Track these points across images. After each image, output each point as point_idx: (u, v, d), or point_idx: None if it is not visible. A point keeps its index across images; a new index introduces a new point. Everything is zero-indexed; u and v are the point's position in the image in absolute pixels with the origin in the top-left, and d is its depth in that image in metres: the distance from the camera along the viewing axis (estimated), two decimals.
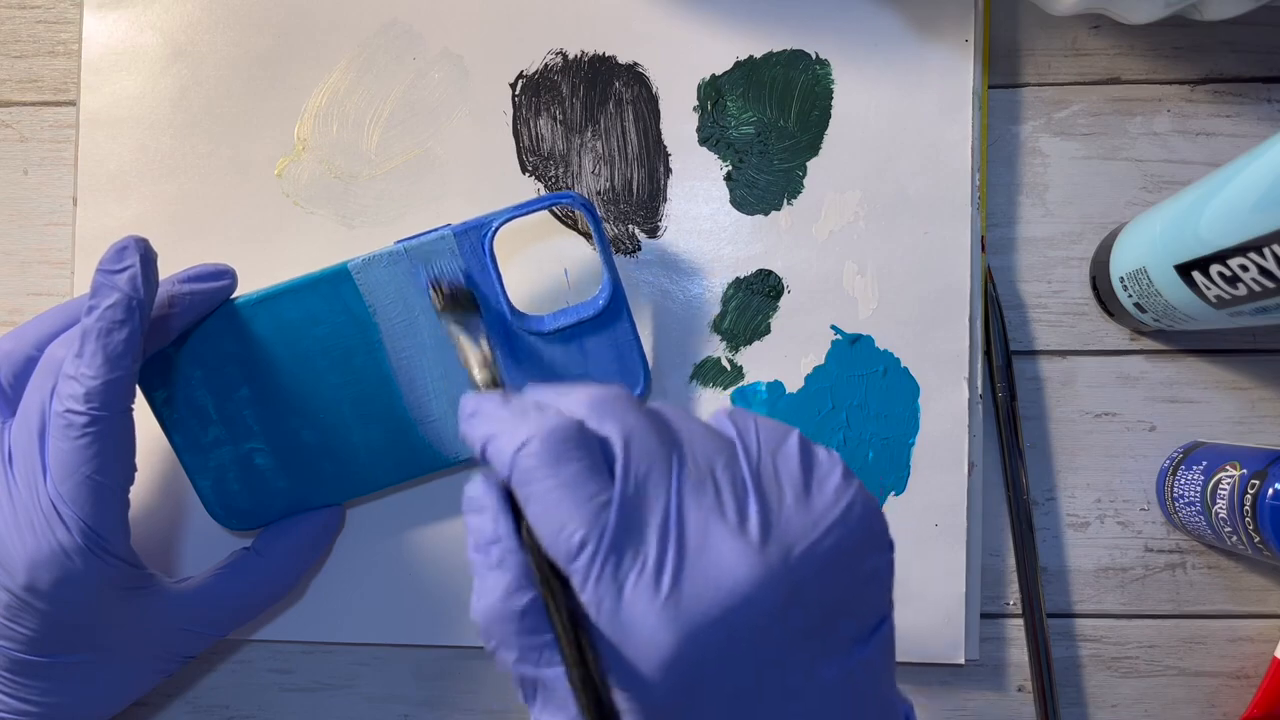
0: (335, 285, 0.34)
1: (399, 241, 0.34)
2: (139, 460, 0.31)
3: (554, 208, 0.37)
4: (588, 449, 0.23)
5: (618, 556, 0.22)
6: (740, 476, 0.23)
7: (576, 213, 0.38)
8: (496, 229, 0.33)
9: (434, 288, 0.33)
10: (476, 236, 0.33)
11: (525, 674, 0.23)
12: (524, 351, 0.35)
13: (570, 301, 0.38)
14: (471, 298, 0.33)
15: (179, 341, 0.33)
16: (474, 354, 0.30)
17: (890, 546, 0.24)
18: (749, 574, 0.21)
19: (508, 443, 0.23)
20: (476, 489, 0.25)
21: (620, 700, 0.22)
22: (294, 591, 0.37)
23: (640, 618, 0.21)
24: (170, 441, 0.34)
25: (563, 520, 0.22)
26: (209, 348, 0.34)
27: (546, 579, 0.22)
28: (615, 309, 0.35)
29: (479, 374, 0.29)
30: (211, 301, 0.33)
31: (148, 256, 0.30)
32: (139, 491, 0.34)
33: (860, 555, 0.23)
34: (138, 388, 0.31)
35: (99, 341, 0.29)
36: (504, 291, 0.34)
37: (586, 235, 0.38)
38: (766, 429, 0.24)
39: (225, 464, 0.35)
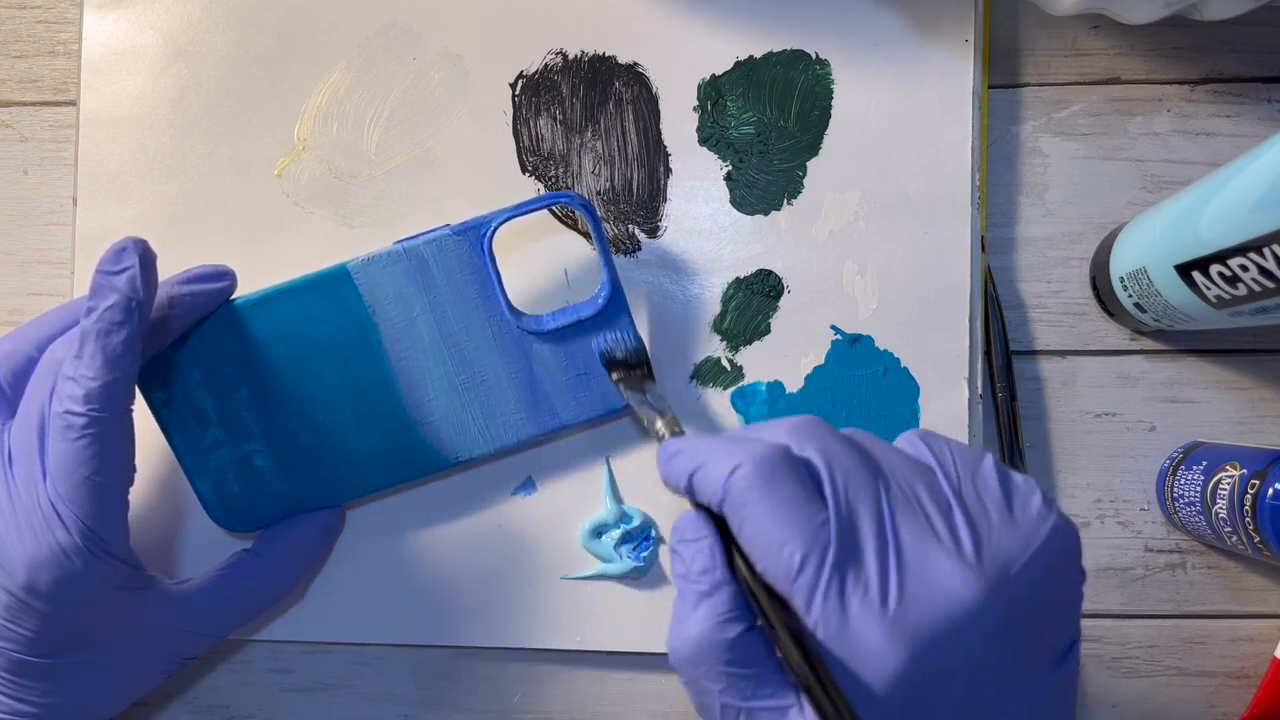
0: (334, 285, 0.33)
1: (398, 241, 0.34)
2: (139, 460, 0.30)
3: (553, 207, 0.37)
4: (798, 473, 0.23)
5: (840, 573, 0.22)
6: (944, 497, 0.24)
7: (576, 212, 0.38)
8: (495, 229, 0.33)
9: (607, 361, 0.34)
10: (475, 236, 0.33)
11: (730, 704, 0.23)
12: (523, 352, 0.35)
13: (570, 300, 0.38)
14: (645, 363, 0.34)
15: (178, 343, 0.33)
16: (660, 420, 0.30)
17: (1084, 574, 0.25)
18: (970, 591, 0.22)
19: (719, 469, 0.24)
20: (688, 520, 0.25)
21: None
22: (294, 592, 0.37)
23: (867, 634, 0.21)
24: (170, 443, 0.34)
25: (782, 540, 0.22)
26: (208, 349, 0.33)
27: (766, 603, 0.23)
28: (615, 308, 0.35)
29: (666, 430, 0.30)
30: (211, 302, 0.33)
31: (147, 258, 0.30)
32: (139, 492, 0.34)
33: (1063, 578, 0.24)
34: (137, 389, 0.31)
35: (98, 343, 0.29)
36: (503, 291, 0.34)
37: (586, 235, 0.38)
38: (960, 451, 0.25)
39: (225, 465, 0.34)
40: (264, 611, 0.36)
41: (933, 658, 0.21)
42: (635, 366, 0.34)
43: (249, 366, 0.34)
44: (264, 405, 0.34)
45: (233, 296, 0.34)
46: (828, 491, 0.23)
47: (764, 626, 0.23)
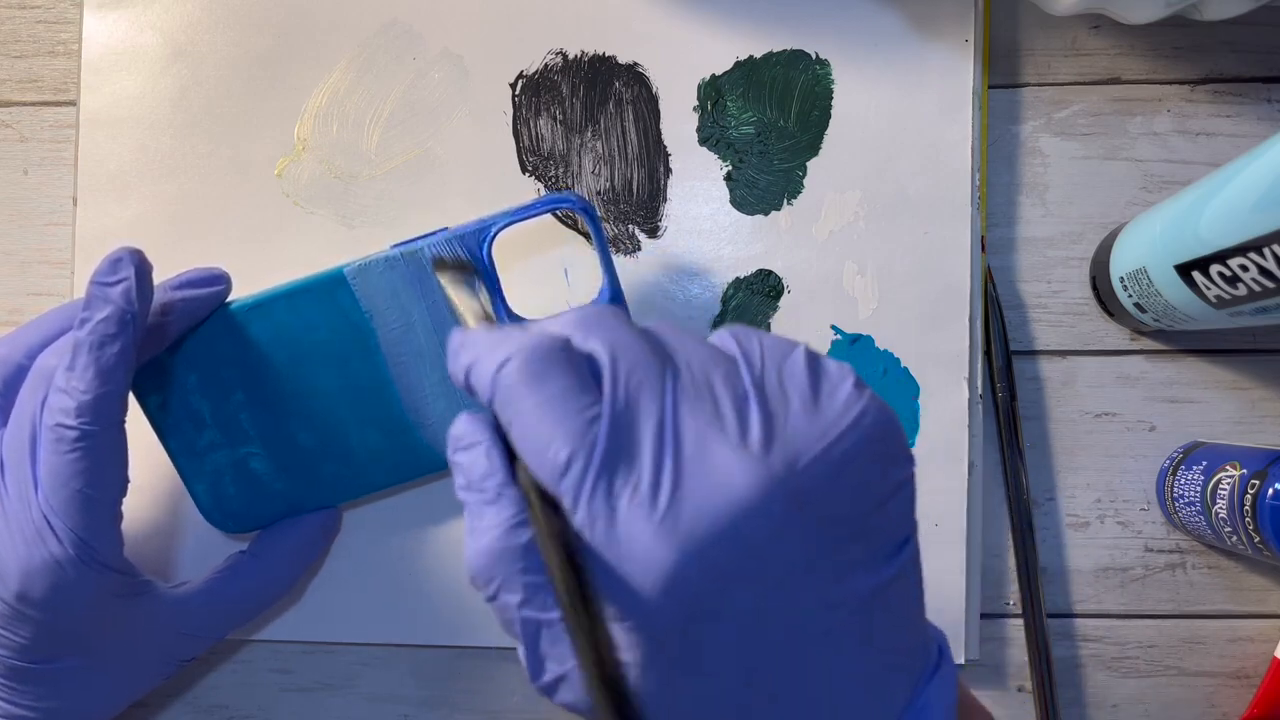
0: (331, 290, 0.33)
1: (395, 245, 0.33)
2: (136, 462, 0.30)
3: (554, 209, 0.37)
4: (572, 365, 0.22)
5: (609, 472, 0.20)
6: (741, 387, 0.22)
7: (575, 213, 0.38)
8: (495, 234, 0.33)
9: (435, 263, 0.33)
10: (475, 241, 0.33)
11: (529, 617, 0.21)
12: None
13: (570, 302, 0.37)
14: (468, 262, 0.33)
15: (173, 347, 0.33)
16: (469, 305, 0.28)
17: (911, 461, 0.23)
18: (750, 483, 0.20)
19: (489, 364, 0.22)
20: (463, 424, 0.23)
21: (621, 632, 0.20)
22: (294, 592, 0.37)
23: (637, 536, 0.20)
24: (164, 446, 0.34)
25: (548, 437, 0.21)
26: (203, 353, 0.33)
27: (536, 506, 0.21)
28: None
29: (471, 322, 0.27)
30: (206, 307, 0.33)
31: (143, 269, 0.29)
32: (135, 495, 0.34)
33: (875, 467, 0.22)
34: (130, 393, 0.31)
35: (91, 355, 0.28)
36: (503, 298, 0.33)
37: (587, 235, 0.38)
38: (771, 342, 0.23)
39: (221, 468, 0.34)
40: (262, 613, 0.36)
41: (711, 559, 0.20)
42: (465, 269, 0.32)
43: (245, 370, 0.33)
44: (261, 408, 0.34)
45: (228, 300, 0.33)
46: (606, 384, 0.21)
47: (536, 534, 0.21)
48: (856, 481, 0.21)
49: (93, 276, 0.29)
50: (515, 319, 0.34)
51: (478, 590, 0.22)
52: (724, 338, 0.23)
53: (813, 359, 0.23)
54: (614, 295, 0.34)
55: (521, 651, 0.22)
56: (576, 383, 0.21)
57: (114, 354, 0.28)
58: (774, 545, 0.20)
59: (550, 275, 0.38)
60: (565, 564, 0.20)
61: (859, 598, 0.21)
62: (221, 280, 0.33)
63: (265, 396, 0.34)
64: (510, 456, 0.22)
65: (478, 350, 0.23)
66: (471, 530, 0.22)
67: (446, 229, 0.33)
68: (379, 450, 0.35)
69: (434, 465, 0.35)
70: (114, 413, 0.29)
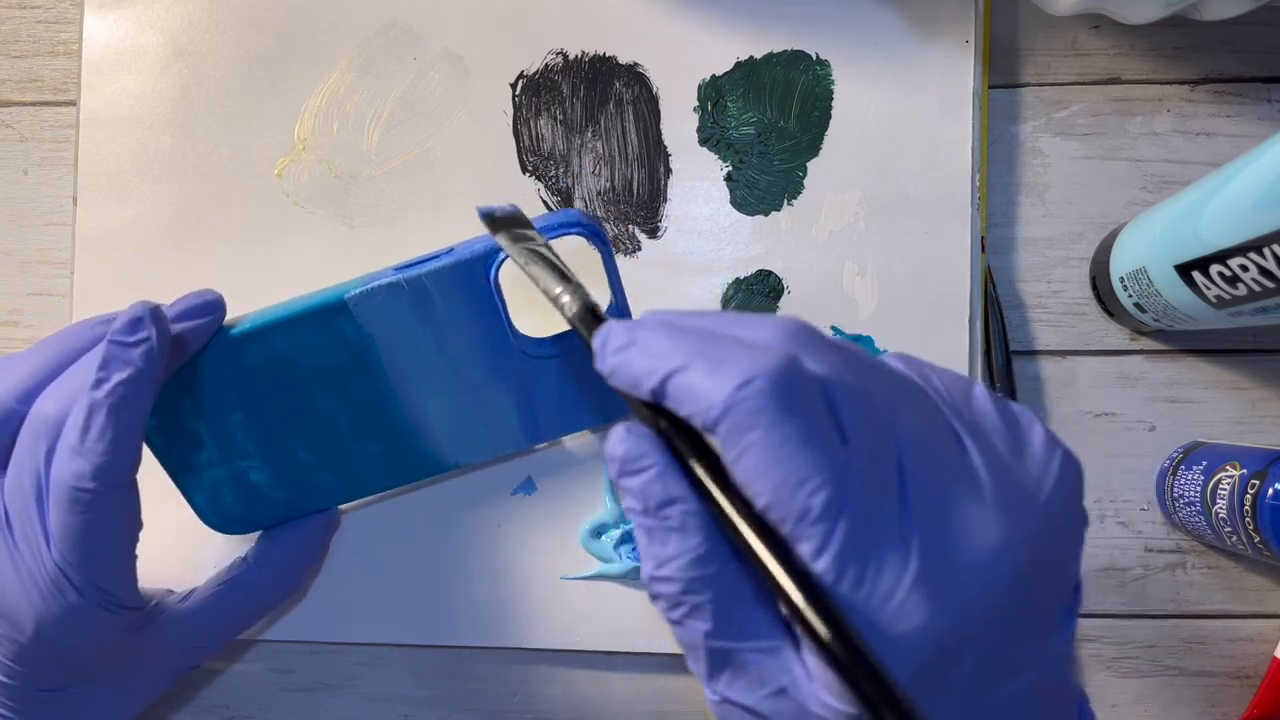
0: (331, 316, 0.32)
1: (398, 269, 0.32)
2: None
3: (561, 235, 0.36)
4: (813, 393, 0.20)
5: (863, 522, 0.19)
6: (950, 429, 0.21)
7: None
8: (503, 262, 0.31)
9: (486, 219, 0.30)
10: (481, 269, 0.32)
11: (718, 647, 0.21)
12: (526, 374, 0.34)
13: None
14: (521, 217, 0.30)
15: (172, 380, 0.32)
16: (563, 287, 0.25)
17: (1086, 514, 0.22)
18: (998, 545, 0.20)
19: (719, 382, 0.19)
20: (628, 444, 0.21)
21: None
22: (294, 595, 0.37)
23: (891, 591, 0.19)
24: (161, 464, 0.33)
25: (800, 477, 0.19)
26: (201, 378, 0.32)
27: (760, 542, 0.19)
28: None
29: (568, 299, 0.25)
30: (203, 336, 0.31)
31: (163, 328, 0.28)
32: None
33: (1072, 517, 0.21)
34: None
35: (109, 418, 0.27)
36: (509, 320, 0.33)
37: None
38: (950, 376, 0.22)
39: (219, 481, 0.34)
40: (265, 617, 0.36)
41: (960, 607, 0.19)
42: (522, 224, 0.30)
43: (243, 392, 0.33)
44: (259, 427, 0.33)
45: (226, 323, 0.32)
46: (852, 423, 0.20)
47: (753, 564, 0.20)
48: (1062, 531, 0.21)
49: (110, 334, 0.27)
50: (517, 336, 0.33)
51: (661, 613, 0.22)
52: (898, 365, 0.23)
53: (995, 398, 0.22)
54: (620, 315, 0.33)
55: (702, 669, 0.22)
56: (825, 416, 0.20)
57: (133, 417, 0.27)
58: (1008, 593, 0.20)
59: None
60: (809, 599, 0.19)
61: (1060, 646, 0.21)
62: (217, 307, 0.31)
63: (264, 417, 0.33)
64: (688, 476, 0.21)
65: (684, 357, 0.20)
66: (653, 557, 0.21)
67: (451, 249, 0.32)
68: (379, 457, 0.35)
69: (434, 469, 0.35)
70: (131, 469, 0.28)
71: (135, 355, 0.27)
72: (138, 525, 0.30)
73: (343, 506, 0.37)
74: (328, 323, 0.32)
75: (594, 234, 0.31)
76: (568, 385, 0.34)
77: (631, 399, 0.22)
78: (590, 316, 0.24)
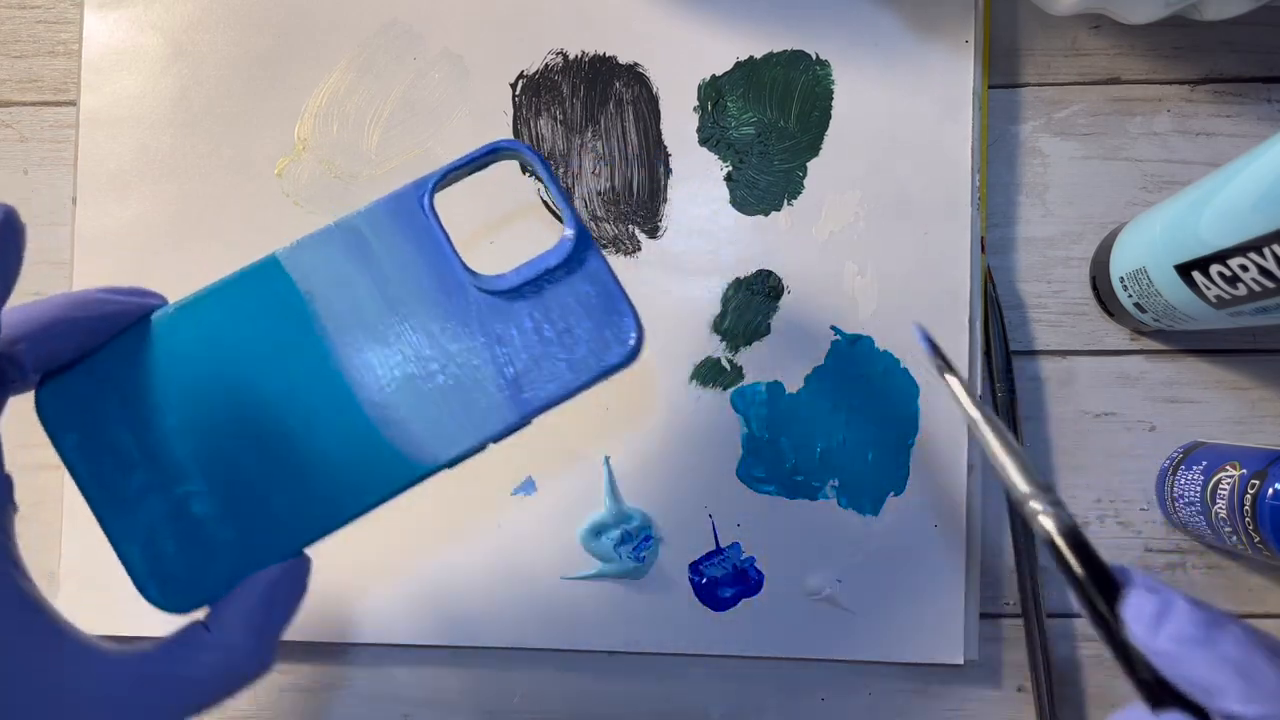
0: (264, 278, 0.28)
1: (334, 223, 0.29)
2: (77, 509, 0.26)
3: (548, 201, 0.37)
4: None
5: None
6: None
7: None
8: (434, 187, 0.29)
9: (933, 348, 0.31)
10: (413, 199, 0.28)
11: None
12: (490, 319, 0.29)
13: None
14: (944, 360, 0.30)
15: (89, 368, 0.28)
16: (1018, 470, 0.25)
17: None
18: None
19: None
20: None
21: None
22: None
23: None
24: (86, 497, 0.27)
25: None
26: (125, 372, 0.28)
27: None
28: (583, 248, 0.29)
29: (1047, 519, 0.25)
30: (130, 316, 0.27)
31: (11, 225, 0.24)
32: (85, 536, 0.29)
33: None
34: (46, 433, 0.27)
35: None
36: (455, 253, 0.29)
37: None
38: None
39: (156, 519, 0.28)
40: (230, 697, 0.27)
41: None
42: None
43: (175, 388, 0.28)
44: (197, 433, 0.28)
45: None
46: None
47: None
48: None
49: None
50: (473, 275, 0.29)
51: None
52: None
53: None
54: (580, 233, 0.29)
55: None
56: None
57: None
58: None
59: None
60: None
61: None
62: (153, 295, 0.28)
63: (201, 418, 0.28)
64: None
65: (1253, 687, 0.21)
66: None
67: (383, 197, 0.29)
68: (340, 463, 0.28)
69: (410, 472, 0.29)
70: None
71: None
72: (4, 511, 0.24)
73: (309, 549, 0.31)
74: (261, 285, 0.28)
75: (526, 150, 0.29)
76: (548, 332, 0.29)
77: (1139, 663, 0.23)
78: (1078, 544, 0.24)
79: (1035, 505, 0.25)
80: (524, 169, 0.39)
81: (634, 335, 0.29)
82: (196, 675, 0.26)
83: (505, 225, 0.38)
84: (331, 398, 0.28)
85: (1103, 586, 0.24)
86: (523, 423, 0.29)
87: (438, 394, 0.29)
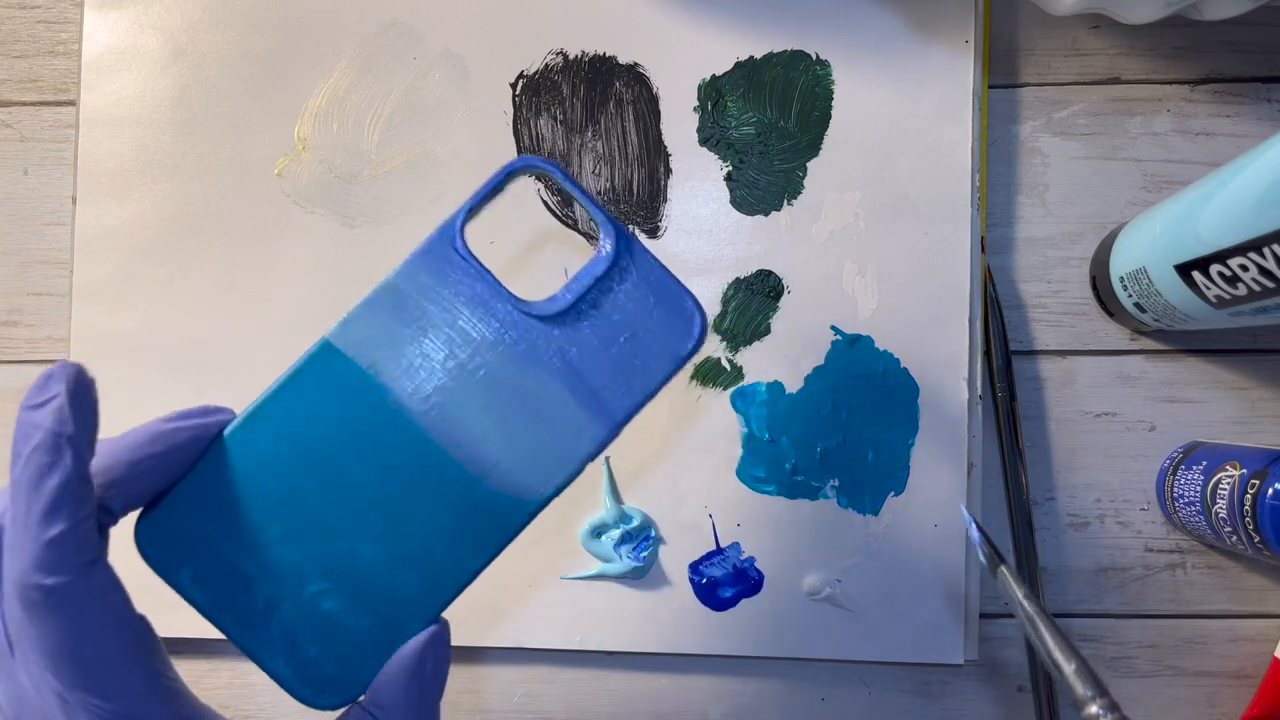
0: (320, 365, 0.28)
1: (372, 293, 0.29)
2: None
3: (551, 208, 0.36)
4: None
5: None
6: None
7: (575, 211, 0.38)
8: (462, 226, 0.28)
9: (983, 534, 0.32)
10: (444, 244, 0.28)
11: None
12: (553, 343, 0.29)
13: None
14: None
15: (178, 503, 0.27)
16: (1088, 692, 0.27)
17: None
18: None
19: None
20: None
21: None
22: None
23: None
24: (218, 626, 0.28)
25: None
26: (216, 494, 0.28)
27: None
28: (627, 248, 0.29)
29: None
30: (203, 440, 0.27)
31: (82, 381, 0.24)
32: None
33: None
34: (160, 575, 0.27)
35: (31, 494, 0.23)
36: (501, 287, 0.29)
37: (588, 236, 0.38)
38: None
39: (291, 627, 0.28)
40: None
41: None
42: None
43: (270, 495, 0.28)
44: (305, 533, 0.28)
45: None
46: None
47: None
48: None
49: (22, 402, 0.24)
50: (524, 305, 0.29)
51: None
52: None
53: None
54: (618, 234, 0.29)
55: None
56: None
57: (56, 485, 0.23)
58: None
59: (550, 275, 0.38)
60: None
61: None
62: (222, 410, 0.28)
63: (305, 518, 0.28)
64: None
65: None
66: None
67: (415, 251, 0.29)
68: (452, 525, 0.29)
69: (519, 518, 0.29)
70: (80, 553, 0.23)
71: (43, 416, 0.23)
72: (132, 623, 0.25)
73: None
74: (321, 374, 0.28)
75: (547, 165, 0.28)
76: (614, 343, 0.29)
77: None
78: None
79: (1092, 710, 0.26)
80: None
81: (698, 320, 0.29)
82: None
83: (504, 227, 0.38)
84: (426, 462, 0.29)
85: None
86: (613, 435, 0.29)
87: (526, 430, 0.29)
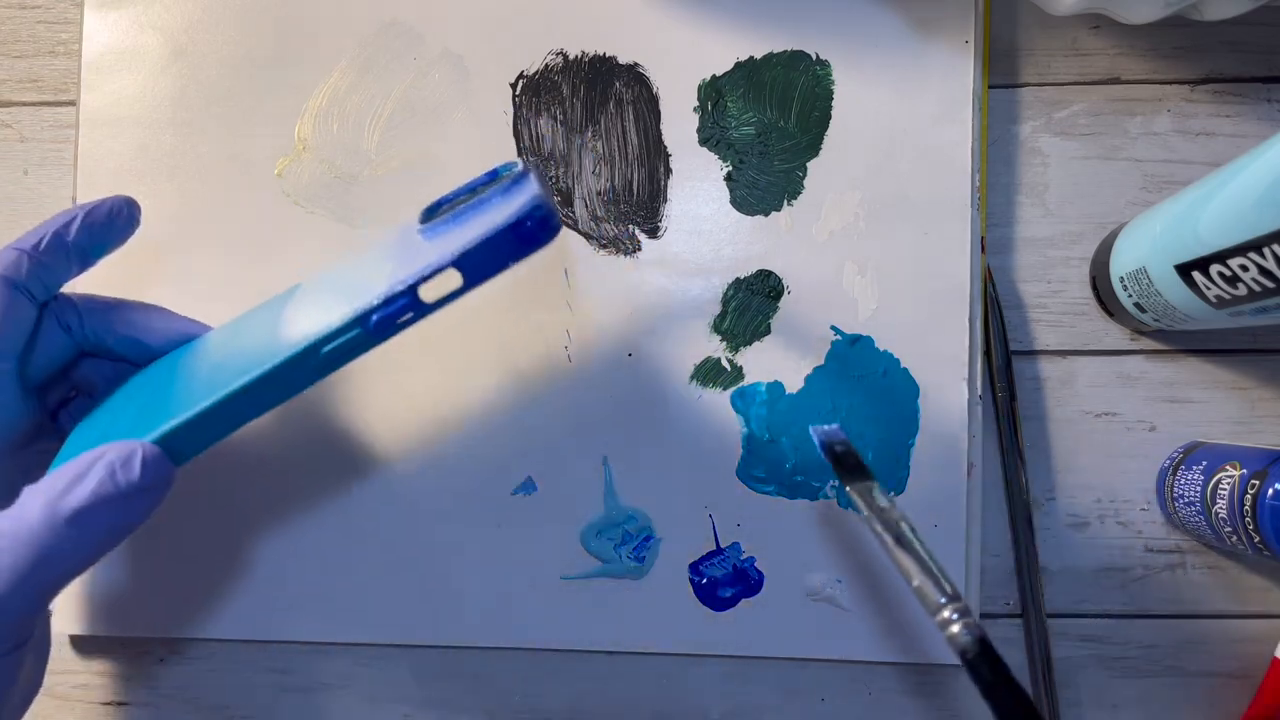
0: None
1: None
2: None
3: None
4: None
5: None
6: None
7: (575, 211, 0.38)
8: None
9: (827, 452, 0.29)
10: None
11: None
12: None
13: (570, 303, 0.38)
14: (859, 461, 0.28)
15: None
16: (951, 608, 0.25)
17: None
18: None
19: None
20: None
21: None
22: (292, 591, 0.37)
23: None
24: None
25: None
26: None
27: None
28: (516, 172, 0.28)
29: (957, 628, 0.24)
30: (112, 227, 0.31)
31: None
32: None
33: None
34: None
35: None
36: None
37: (586, 235, 0.38)
38: None
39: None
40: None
41: None
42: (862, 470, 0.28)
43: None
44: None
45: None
46: None
47: None
48: None
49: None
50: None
51: None
52: None
53: None
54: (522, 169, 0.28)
55: None
56: None
57: None
58: None
59: (550, 275, 0.38)
60: None
61: None
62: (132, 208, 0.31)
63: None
64: None
65: None
66: None
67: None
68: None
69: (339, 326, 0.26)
70: None
71: None
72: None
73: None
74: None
75: (525, 166, 0.28)
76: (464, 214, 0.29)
77: None
78: (985, 655, 0.24)
79: (944, 615, 0.25)
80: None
81: (531, 176, 0.27)
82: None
83: None
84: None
85: None
86: (441, 268, 0.25)
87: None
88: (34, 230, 0.29)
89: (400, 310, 0.25)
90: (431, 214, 0.30)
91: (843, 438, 0.30)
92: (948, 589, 0.25)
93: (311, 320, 0.27)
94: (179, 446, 0.26)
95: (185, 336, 0.31)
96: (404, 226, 0.30)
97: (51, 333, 0.30)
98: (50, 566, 0.24)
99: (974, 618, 0.24)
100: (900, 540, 0.26)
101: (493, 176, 0.30)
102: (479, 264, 0.25)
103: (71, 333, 0.31)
